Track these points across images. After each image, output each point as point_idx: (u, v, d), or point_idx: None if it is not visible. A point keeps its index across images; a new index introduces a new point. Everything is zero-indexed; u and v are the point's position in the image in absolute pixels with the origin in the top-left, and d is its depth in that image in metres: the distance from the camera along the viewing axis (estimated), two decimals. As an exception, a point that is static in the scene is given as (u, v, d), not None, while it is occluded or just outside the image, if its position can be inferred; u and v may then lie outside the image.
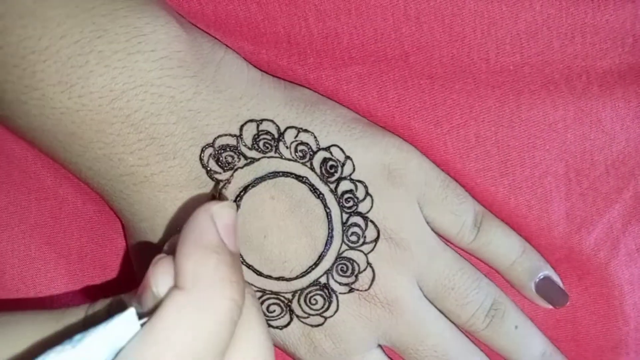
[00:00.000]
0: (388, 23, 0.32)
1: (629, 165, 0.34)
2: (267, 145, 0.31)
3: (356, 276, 0.32)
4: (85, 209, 0.36)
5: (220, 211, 0.24)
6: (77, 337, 0.21)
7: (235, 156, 0.31)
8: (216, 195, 0.30)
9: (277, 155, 0.31)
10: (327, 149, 0.32)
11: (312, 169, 0.32)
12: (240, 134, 0.31)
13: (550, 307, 0.35)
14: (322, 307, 0.32)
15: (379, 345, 0.34)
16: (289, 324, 0.32)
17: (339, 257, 0.32)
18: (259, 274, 0.31)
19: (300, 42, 0.33)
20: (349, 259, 0.32)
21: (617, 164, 0.34)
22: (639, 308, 0.35)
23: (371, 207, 0.32)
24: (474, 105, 0.33)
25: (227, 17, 0.32)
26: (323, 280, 0.32)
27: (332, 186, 0.32)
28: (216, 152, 0.30)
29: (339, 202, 0.32)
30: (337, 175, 0.32)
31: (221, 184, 0.31)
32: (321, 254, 0.32)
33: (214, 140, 0.30)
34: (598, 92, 0.33)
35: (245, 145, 0.31)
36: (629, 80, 0.33)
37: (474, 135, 0.33)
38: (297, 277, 0.32)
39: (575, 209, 0.34)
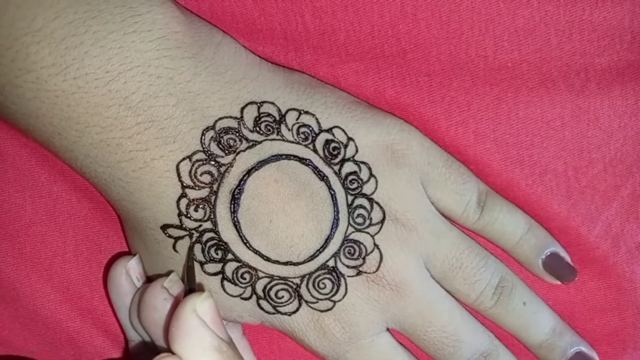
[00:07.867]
0: (385, 20, 0.31)
1: (627, 163, 0.34)
2: (268, 127, 0.31)
3: (364, 258, 0.31)
4: (80, 207, 0.35)
5: (204, 307, 0.26)
6: None
7: (237, 139, 0.30)
8: (192, 264, 0.30)
9: (279, 137, 0.31)
10: (329, 130, 0.31)
11: (315, 151, 0.31)
12: (242, 117, 0.30)
13: (559, 283, 0.34)
14: (331, 291, 0.31)
15: (388, 330, 0.33)
16: (297, 309, 0.31)
17: (345, 239, 0.31)
18: (267, 259, 0.31)
19: (297, 38, 0.32)
20: (356, 241, 0.31)
21: (615, 162, 0.34)
22: (638, 306, 0.35)
23: (376, 188, 0.32)
24: (472, 102, 0.33)
25: (223, 13, 0.32)
26: (331, 263, 0.31)
27: (336, 168, 0.31)
28: (217, 135, 0.30)
29: (343, 184, 0.31)
30: (340, 157, 0.31)
31: (194, 249, 0.30)
32: (328, 236, 0.31)
33: (214, 123, 0.30)
34: (596, 90, 0.33)
35: (246, 128, 0.30)
36: (627, 78, 0.32)
37: (472, 133, 0.33)
38: (304, 261, 0.31)
39: (576, 206, 0.34)
